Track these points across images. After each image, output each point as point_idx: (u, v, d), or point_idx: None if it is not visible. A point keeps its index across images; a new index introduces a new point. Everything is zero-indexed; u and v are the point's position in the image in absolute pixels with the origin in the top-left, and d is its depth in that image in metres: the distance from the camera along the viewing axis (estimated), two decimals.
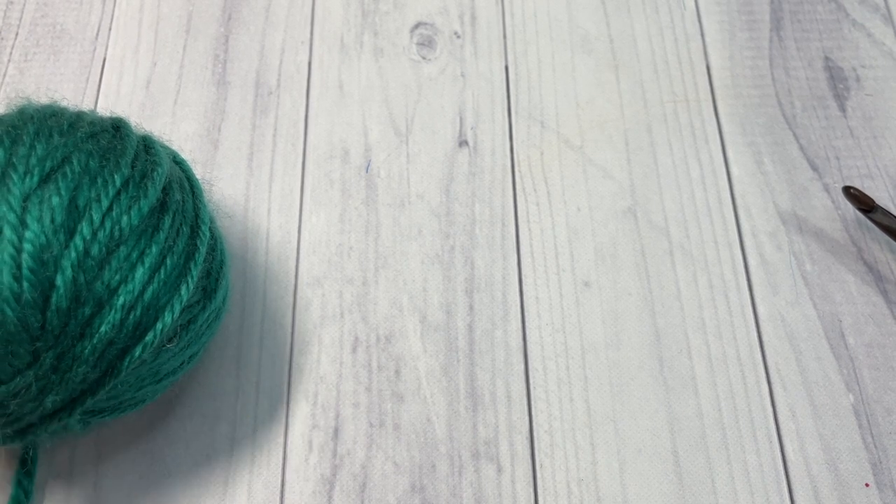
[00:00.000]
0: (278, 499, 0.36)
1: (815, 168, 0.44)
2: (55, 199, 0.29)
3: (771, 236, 0.42)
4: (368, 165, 0.44)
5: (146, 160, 0.33)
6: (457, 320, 0.40)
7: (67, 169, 0.30)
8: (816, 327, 0.40)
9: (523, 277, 0.41)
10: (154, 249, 0.31)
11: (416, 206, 0.43)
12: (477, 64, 0.47)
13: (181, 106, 0.46)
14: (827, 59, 0.47)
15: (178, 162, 0.37)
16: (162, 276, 0.31)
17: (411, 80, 0.47)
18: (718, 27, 0.49)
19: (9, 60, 0.47)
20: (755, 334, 0.40)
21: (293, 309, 0.40)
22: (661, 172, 0.44)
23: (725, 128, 0.45)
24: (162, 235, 0.31)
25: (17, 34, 0.48)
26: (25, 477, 0.35)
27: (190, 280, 0.32)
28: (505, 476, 0.37)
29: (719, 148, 0.45)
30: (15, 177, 0.29)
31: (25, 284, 0.28)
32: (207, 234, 0.34)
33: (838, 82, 0.47)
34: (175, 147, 0.44)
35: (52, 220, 0.29)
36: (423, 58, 0.47)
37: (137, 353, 0.30)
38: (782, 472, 0.37)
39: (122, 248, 0.30)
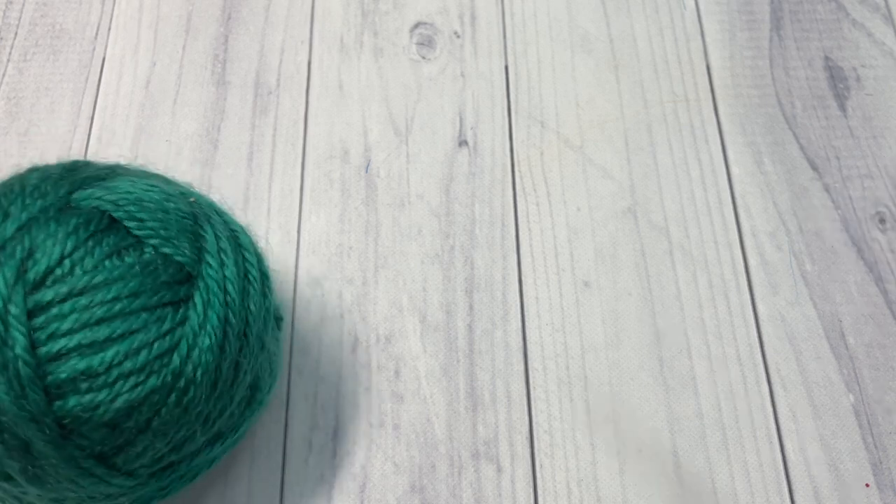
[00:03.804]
0: (278, 499, 0.36)
1: (815, 168, 0.44)
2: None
3: (771, 236, 0.42)
4: (368, 165, 0.44)
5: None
6: (457, 320, 0.40)
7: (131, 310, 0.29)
8: (816, 327, 0.40)
9: (523, 277, 0.41)
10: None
11: (416, 206, 0.43)
12: (477, 64, 0.47)
13: (181, 106, 0.46)
14: (827, 58, 0.47)
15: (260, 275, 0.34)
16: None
17: (411, 79, 0.47)
18: (718, 27, 0.48)
19: (8, 60, 0.47)
20: (755, 334, 0.40)
21: (293, 309, 0.40)
22: (661, 172, 0.44)
23: (725, 128, 0.45)
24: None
25: (16, 34, 0.48)
26: None
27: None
28: (505, 476, 0.37)
29: (719, 148, 0.45)
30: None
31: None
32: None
33: (838, 82, 0.47)
34: (174, 147, 0.44)
35: None
36: (423, 57, 0.47)
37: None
38: (782, 473, 0.37)
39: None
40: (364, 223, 0.42)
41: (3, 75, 0.46)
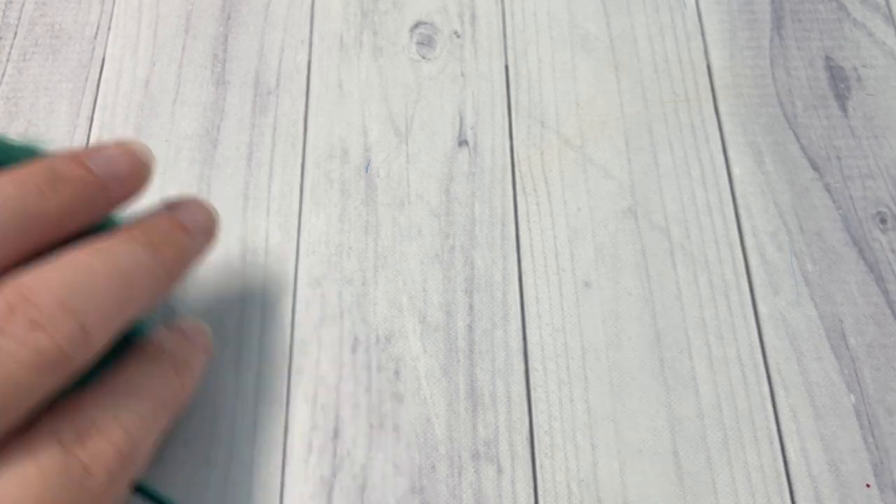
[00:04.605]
0: (277, 500, 0.36)
1: (816, 168, 0.44)
2: None
3: (772, 236, 0.42)
4: (368, 165, 0.44)
5: None
6: (457, 320, 0.40)
7: None
8: (817, 327, 0.40)
9: (523, 277, 0.41)
10: None
11: (415, 206, 0.43)
12: (477, 63, 0.47)
13: (180, 105, 0.45)
14: (828, 58, 0.47)
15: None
16: None
17: (411, 79, 0.46)
18: (719, 26, 0.48)
19: (7, 60, 0.47)
20: (756, 334, 0.40)
21: (292, 309, 0.40)
22: (661, 172, 0.44)
23: (726, 127, 0.45)
24: None
25: (15, 33, 0.48)
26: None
27: None
28: (505, 477, 0.37)
29: (720, 147, 0.45)
30: None
31: None
32: None
33: (839, 82, 0.47)
34: (174, 146, 0.44)
35: None
36: (423, 57, 0.47)
37: None
38: (783, 473, 0.37)
39: None
40: (364, 223, 0.42)
41: (3, 75, 0.46)
